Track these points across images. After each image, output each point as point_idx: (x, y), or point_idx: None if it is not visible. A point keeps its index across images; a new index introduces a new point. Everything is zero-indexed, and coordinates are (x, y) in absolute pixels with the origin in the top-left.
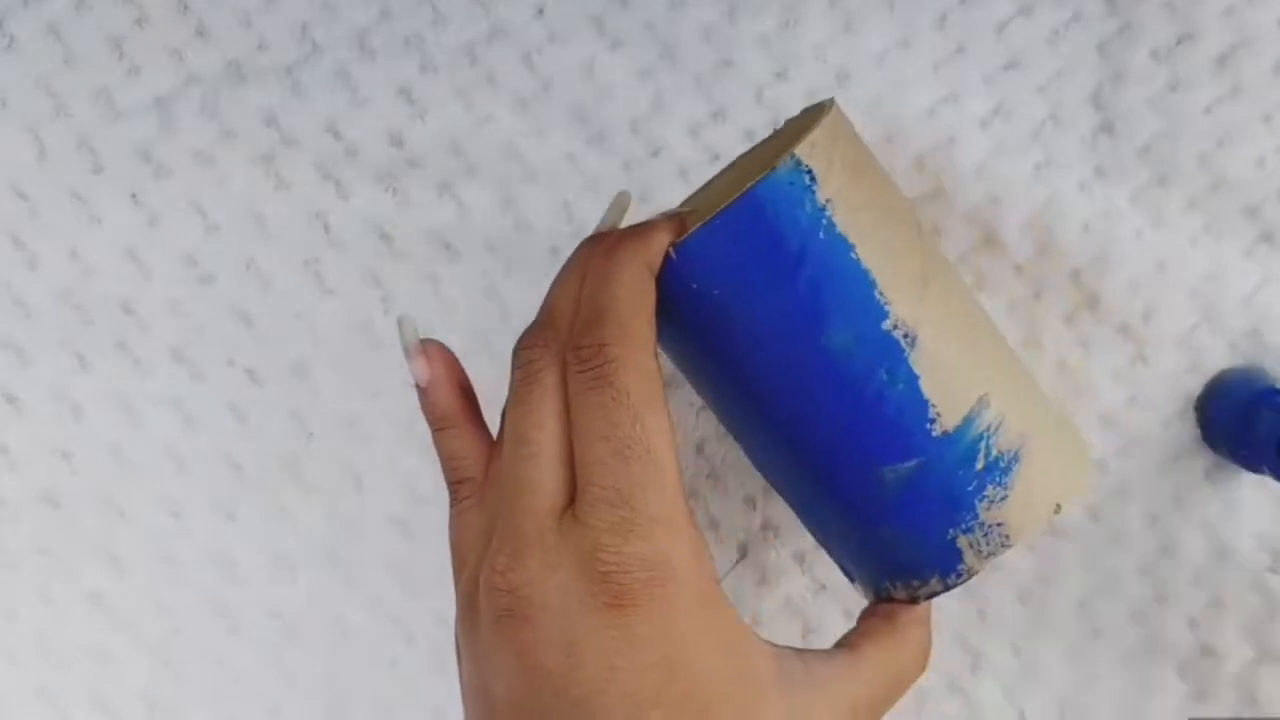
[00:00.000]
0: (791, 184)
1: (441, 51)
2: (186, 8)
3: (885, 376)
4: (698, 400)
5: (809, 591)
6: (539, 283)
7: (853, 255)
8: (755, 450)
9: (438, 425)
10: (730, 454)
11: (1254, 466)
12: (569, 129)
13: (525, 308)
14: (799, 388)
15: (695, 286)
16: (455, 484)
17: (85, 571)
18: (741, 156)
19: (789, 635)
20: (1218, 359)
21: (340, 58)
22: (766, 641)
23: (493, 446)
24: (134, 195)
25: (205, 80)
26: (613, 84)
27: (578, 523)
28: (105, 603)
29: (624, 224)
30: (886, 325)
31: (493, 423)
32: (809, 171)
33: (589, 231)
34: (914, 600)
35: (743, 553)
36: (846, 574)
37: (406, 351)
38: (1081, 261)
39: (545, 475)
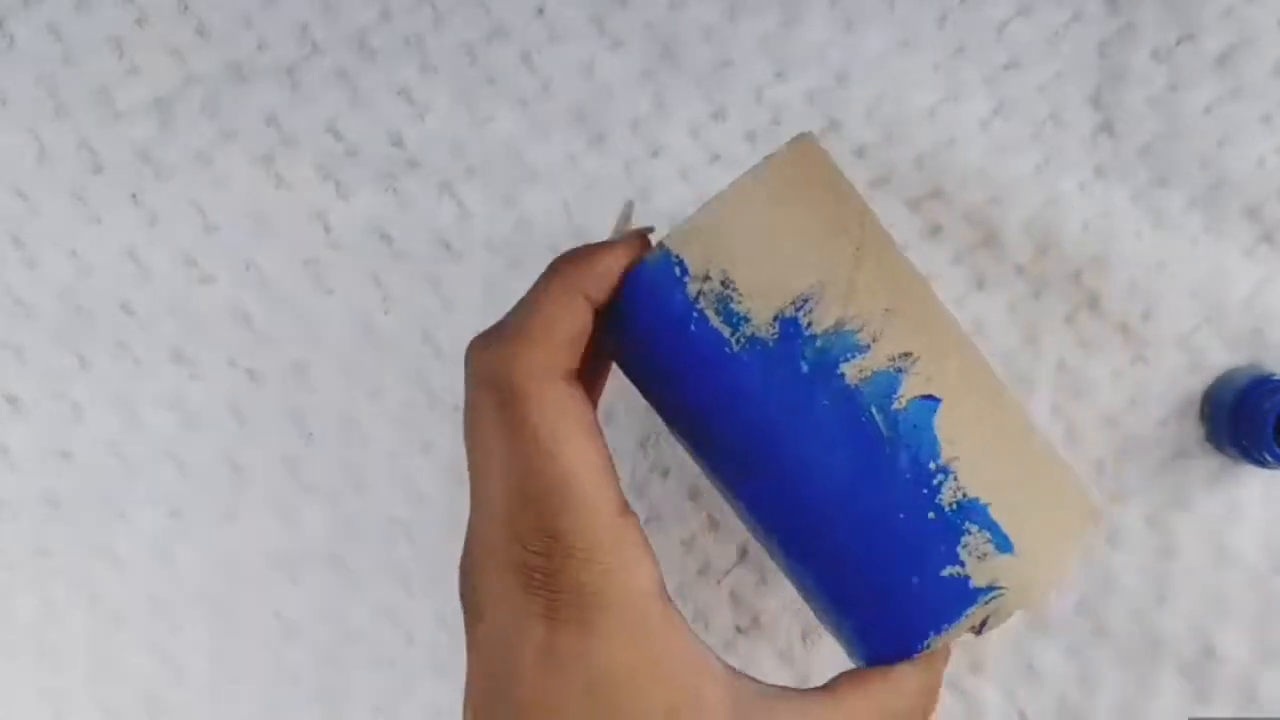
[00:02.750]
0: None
1: (441, 51)
2: (186, 8)
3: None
4: None
5: None
6: None
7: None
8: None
9: None
10: None
11: (1257, 457)
12: (569, 129)
13: None
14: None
15: (645, 310)
16: None
17: (85, 571)
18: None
19: (788, 637)
20: (1218, 359)
21: (340, 58)
22: (729, 670)
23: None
24: (134, 195)
25: (205, 80)
26: (613, 84)
27: (515, 539)
28: (105, 603)
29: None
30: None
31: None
32: (680, 263)
33: (589, 231)
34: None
35: (742, 553)
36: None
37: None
38: (1081, 261)
39: (494, 488)
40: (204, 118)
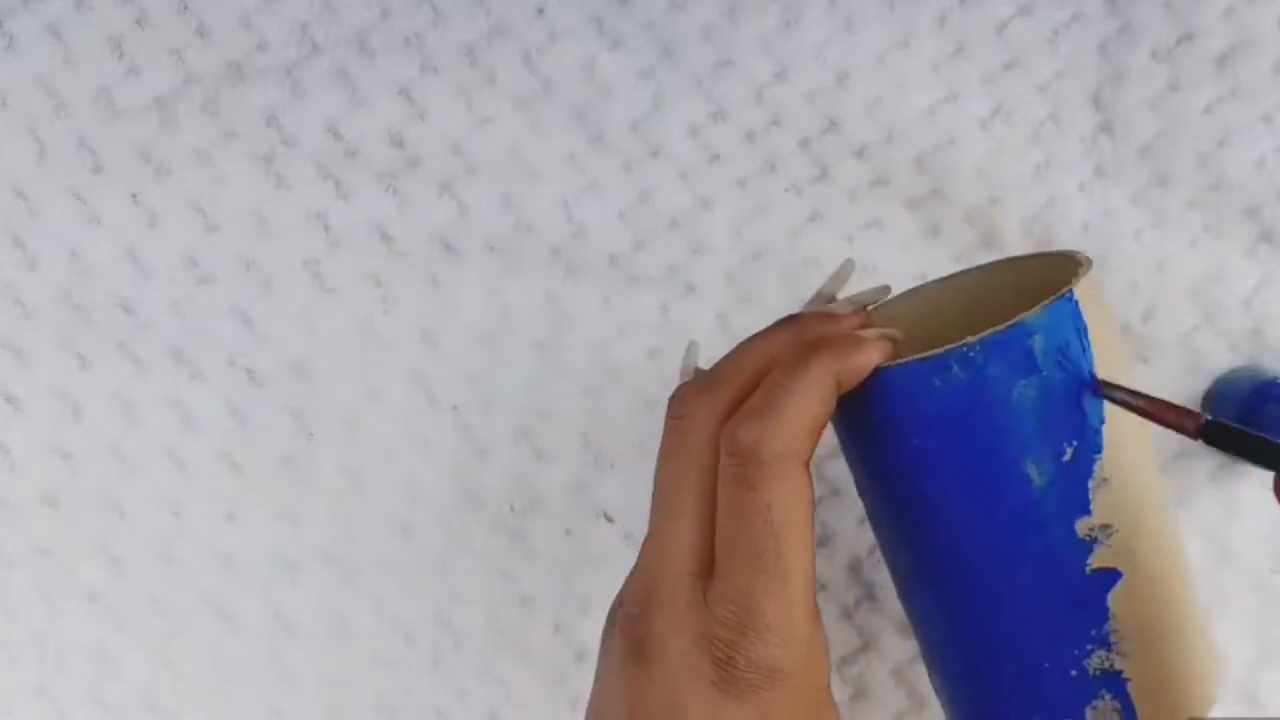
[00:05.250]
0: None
1: (441, 51)
2: (186, 8)
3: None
4: None
5: None
6: (539, 283)
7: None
8: (903, 583)
9: None
10: None
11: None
12: (569, 129)
13: (525, 308)
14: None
15: (891, 421)
16: None
17: (85, 571)
18: (957, 275)
19: None
20: (1218, 359)
21: (340, 58)
22: None
23: None
24: (134, 195)
25: (205, 80)
26: (613, 84)
27: (704, 603)
28: (105, 603)
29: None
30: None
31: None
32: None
33: (589, 231)
34: None
35: None
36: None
37: (682, 370)
38: None
39: (683, 534)
40: (204, 118)
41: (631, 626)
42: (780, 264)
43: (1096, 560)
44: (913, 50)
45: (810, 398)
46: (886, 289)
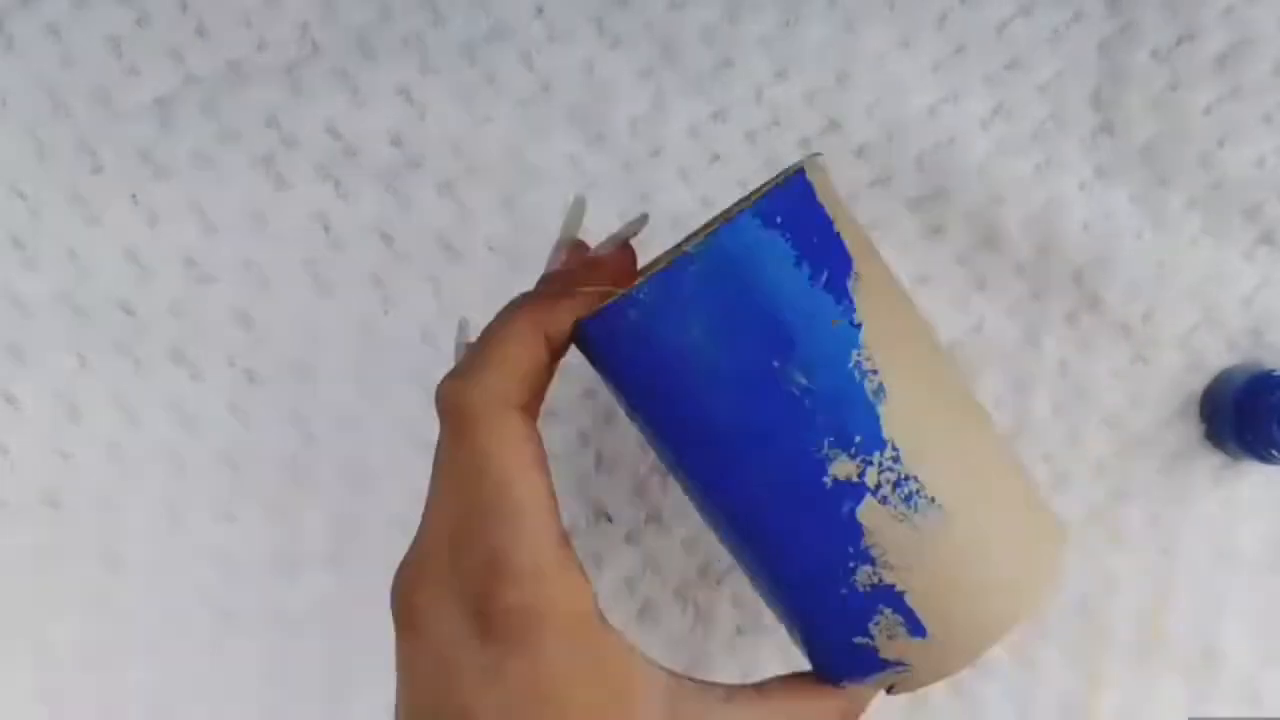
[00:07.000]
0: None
1: (441, 51)
2: (186, 8)
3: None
4: None
5: None
6: None
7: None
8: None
9: None
10: None
11: (1262, 453)
12: (569, 129)
13: None
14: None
15: (604, 367)
16: None
17: (85, 571)
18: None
19: (788, 635)
20: (1218, 359)
21: (340, 58)
22: (664, 670)
23: None
24: (134, 195)
25: (205, 80)
26: (613, 84)
27: (457, 562)
28: (105, 603)
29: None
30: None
31: None
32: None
33: (589, 231)
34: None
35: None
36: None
37: (457, 348)
38: (1081, 261)
39: (442, 506)
40: (204, 118)
41: (402, 597)
42: None
43: (834, 471)
44: (913, 50)
45: (513, 346)
46: (644, 218)
